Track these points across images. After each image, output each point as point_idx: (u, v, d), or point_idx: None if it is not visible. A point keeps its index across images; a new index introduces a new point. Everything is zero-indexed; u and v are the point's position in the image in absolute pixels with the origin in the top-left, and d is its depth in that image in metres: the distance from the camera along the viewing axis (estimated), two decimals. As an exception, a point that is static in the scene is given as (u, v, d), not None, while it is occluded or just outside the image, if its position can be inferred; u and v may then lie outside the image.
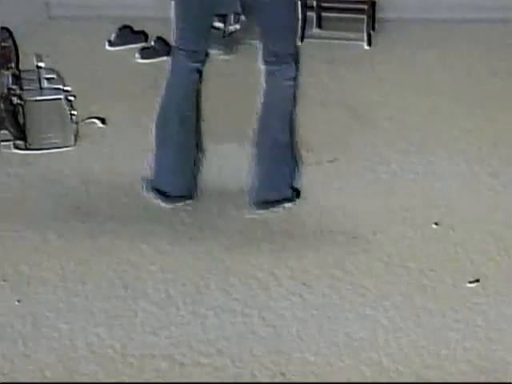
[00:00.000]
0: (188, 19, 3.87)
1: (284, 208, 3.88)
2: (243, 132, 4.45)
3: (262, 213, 3.84)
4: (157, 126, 3.96)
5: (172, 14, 3.89)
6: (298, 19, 3.75)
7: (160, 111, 3.94)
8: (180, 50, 3.89)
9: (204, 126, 4.78)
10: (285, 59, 3.76)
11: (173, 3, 3.88)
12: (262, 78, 3.81)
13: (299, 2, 3.70)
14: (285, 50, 3.76)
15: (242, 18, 5.43)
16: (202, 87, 3.91)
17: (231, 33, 5.75)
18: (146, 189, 3.99)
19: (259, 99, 3.83)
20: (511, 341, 3.09)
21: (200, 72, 3.91)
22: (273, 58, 3.76)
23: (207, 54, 3.91)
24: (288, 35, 3.77)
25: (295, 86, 3.83)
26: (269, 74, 3.80)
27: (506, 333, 3.12)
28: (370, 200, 4.01)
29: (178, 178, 3.92)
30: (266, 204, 3.89)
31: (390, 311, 3.23)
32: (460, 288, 3.36)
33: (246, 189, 3.92)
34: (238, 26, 5.49)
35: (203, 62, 3.91)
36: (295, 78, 3.82)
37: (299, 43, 3.83)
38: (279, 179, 3.93)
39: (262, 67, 3.78)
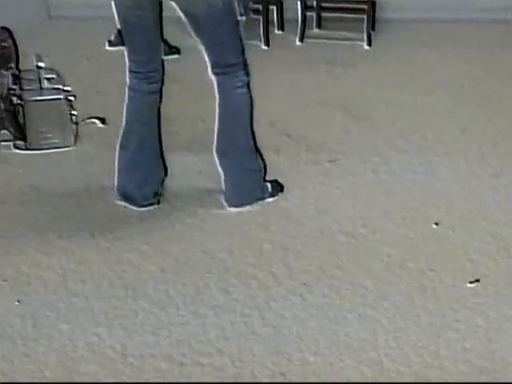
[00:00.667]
0: (132, 41, 3.81)
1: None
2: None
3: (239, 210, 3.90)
4: (118, 149, 3.96)
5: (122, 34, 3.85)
6: (237, 26, 3.70)
7: (121, 135, 3.93)
8: (133, 72, 3.85)
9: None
10: (232, 68, 3.74)
11: (117, 22, 3.84)
12: (215, 89, 3.80)
13: (234, 9, 3.65)
14: (230, 60, 3.73)
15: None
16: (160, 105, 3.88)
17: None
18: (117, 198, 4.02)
19: (215, 110, 3.82)
20: (511, 341, 3.09)
21: (160, 91, 3.87)
22: (220, 69, 3.73)
23: (163, 73, 3.86)
24: (230, 45, 3.71)
25: (249, 92, 3.79)
26: (219, 84, 3.78)
27: (506, 333, 3.12)
28: (370, 200, 4.01)
29: (142, 192, 3.95)
30: (242, 205, 3.94)
31: (389, 311, 3.23)
32: (460, 288, 3.36)
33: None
34: None
35: (161, 82, 3.87)
36: (248, 85, 3.78)
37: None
38: (249, 185, 3.94)
39: (213, 78, 3.77)
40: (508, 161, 4.33)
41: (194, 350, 3.06)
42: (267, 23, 6.04)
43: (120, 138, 3.94)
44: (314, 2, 6.27)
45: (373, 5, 6.16)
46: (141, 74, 3.82)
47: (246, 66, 3.77)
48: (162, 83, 3.86)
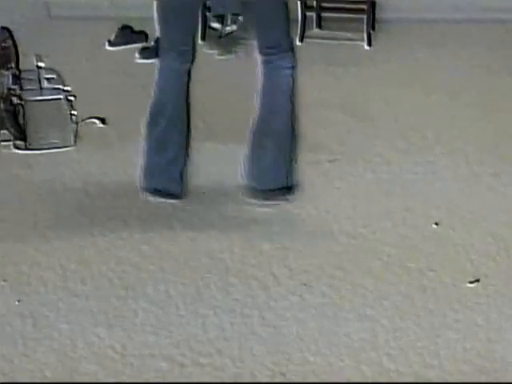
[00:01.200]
0: (171, 19, 3.84)
1: (286, 199, 3.89)
2: (242, 132, 4.45)
3: (259, 203, 3.85)
4: (146, 127, 3.95)
5: (154, 14, 3.86)
6: (286, 8, 3.76)
7: (150, 112, 3.93)
8: (167, 50, 3.87)
9: (204, 125, 4.79)
10: (282, 48, 3.78)
11: (155, 3, 3.84)
12: (260, 69, 3.80)
13: None
14: (279, 41, 3.78)
15: (240, 18, 5.47)
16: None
17: (228, 33, 5.77)
18: (142, 190, 4.00)
19: (257, 90, 3.82)
20: (511, 341, 3.08)
21: (189, 72, 3.89)
22: (270, 49, 3.77)
23: (195, 54, 3.89)
24: (281, 26, 3.78)
25: (294, 76, 3.83)
26: (267, 63, 3.80)
27: (506, 333, 3.12)
28: (370, 200, 4.01)
29: (167, 177, 3.92)
30: (264, 193, 3.88)
31: (389, 311, 3.23)
32: (460, 288, 3.36)
33: (243, 181, 3.92)
34: (234, 27, 5.51)
35: (191, 62, 3.89)
36: (293, 67, 3.84)
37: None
38: (277, 169, 3.92)
39: (260, 57, 3.79)
40: (508, 161, 4.33)
41: (193, 350, 3.05)
42: (267, 23, 6.02)
43: (148, 118, 3.93)
44: (314, 2, 6.26)
45: (373, 5, 6.15)
46: (173, 52, 3.87)
47: (293, 49, 3.84)
48: (192, 63, 3.88)
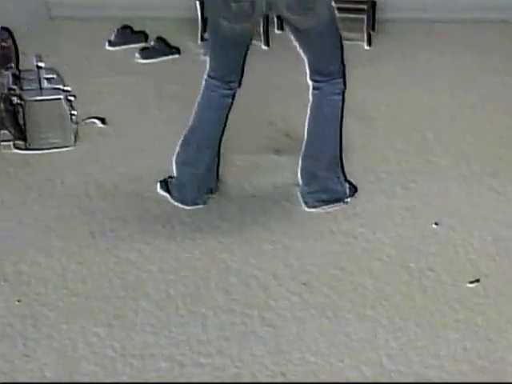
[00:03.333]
0: (222, 52, 3.83)
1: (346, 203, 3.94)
2: (245, 138, 4.46)
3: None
4: (181, 146, 3.97)
5: (208, 42, 3.83)
6: (340, 36, 3.81)
7: (188, 132, 3.96)
8: (213, 78, 3.86)
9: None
10: (333, 75, 3.82)
11: (208, 33, 3.81)
12: (310, 94, 3.87)
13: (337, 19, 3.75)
14: (332, 68, 3.82)
15: None
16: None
17: None
18: (162, 189, 4.02)
19: (307, 115, 3.86)
20: (511, 341, 3.09)
21: (233, 97, 3.90)
22: (321, 77, 3.82)
23: (241, 80, 3.89)
24: (334, 53, 3.81)
25: (342, 101, 3.89)
26: (317, 89, 3.85)
27: (506, 333, 3.12)
28: (370, 200, 4.01)
29: (196, 191, 3.94)
30: (321, 202, 3.93)
31: (389, 311, 3.23)
32: (460, 288, 3.36)
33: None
34: None
35: (237, 87, 3.90)
36: (343, 92, 3.88)
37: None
38: (332, 189, 3.95)
39: (310, 83, 3.85)
40: (508, 161, 4.33)
41: (193, 350, 3.06)
42: (267, 23, 6.03)
43: (184, 134, 3.97)
44: (314, 2, 6.26)
45: (373, 5, 6.16)
46: (219, 82, 3.86)
47: (344, 74, 3.85)
48: (239, 86, 3.89)
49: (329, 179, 3.93)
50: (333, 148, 3.93)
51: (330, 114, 3.90)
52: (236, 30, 3.71)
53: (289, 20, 3.74)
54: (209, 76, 3.88)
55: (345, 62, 3.85)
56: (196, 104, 3.93)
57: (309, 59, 3.81)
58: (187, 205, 3.94)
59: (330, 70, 3.82)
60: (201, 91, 3.91)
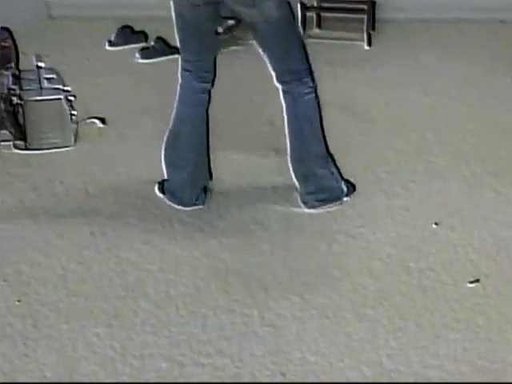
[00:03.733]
0: (189, 40, 3.81)
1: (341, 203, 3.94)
2: (239, 134, 4.46)
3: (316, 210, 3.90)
4: (166, 149, 3.97)
5: (175, 30, 3.83)
6: (299, 34, 3.79)
7: (169, 134, 3.95)
8: (186, 70, 3.85)
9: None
10: (298, 75, 3.76)
11: (174, 23, 3.81)
12: (281, 97, 3.82)
13: (294, 17, 3.69)
14: (295, 67, 3.75)
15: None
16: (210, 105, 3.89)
17: (228, 29, 5.79)
18: (159, 190, 4.02)
19: (283, 117, 3.84)
20: (511, 341, 3.09)
21: (209, 92, 3.88)
22: (286, 77, 3.76)
23: (215, 74, 3.87)
24: (294, 52, 3.74)
25: (317, 98, 3.84)
26: (286, 92, 3.81)
27: (506, 333, 3.12)
28: (370, 200, 4.01)
29: (190, 191, 3.94)
30: (320, 202, 3.92)
31: (389, 311, 3.24)
32: (460, 288, 3.36)
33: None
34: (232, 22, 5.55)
35: (212, 82, 3.88)
36: (315, 89, 3.83)
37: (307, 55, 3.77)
38: (325, 188, 3.93)
39: (278, 86, 3.80)
40: (508, 161, 4.33)
41: (193, 350, 3.06)
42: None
43: (167, 136, 3.96)
44: (314, 2, 6.26)
45: (373, 5, 6.16)
46: (193, 73, 3.84)
47: (311, 71, 3.79)
48: (213, 84, 3.87)
49: (323, 177, 3.91)
50: (317, 147, 3.88)
51: (306, 114, 3.85)
52: (196, 14, 3.69)
53: (235, 11, 3.70)
54: (182, 68, 3.86)
55: (310, 62, 3.77)
56: (175, 104, 3.92)
57: (268, 59, 3.74)
58: (185, 206, 3.94)
59: (293, 69, 3.75)
60: (178, 88, 3.90)
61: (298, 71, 3.76)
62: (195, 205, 3.95)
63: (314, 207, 3.91)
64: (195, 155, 3.96)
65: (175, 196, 3.96)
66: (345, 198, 3.97)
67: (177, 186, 3.97)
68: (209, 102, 3.91)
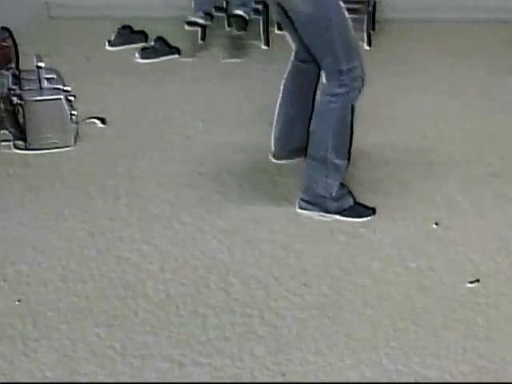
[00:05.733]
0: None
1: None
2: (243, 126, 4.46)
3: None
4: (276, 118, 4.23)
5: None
6: (332, 34, 3.66)
7: (277, 107, 4.22)
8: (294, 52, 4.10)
9: (204, 126, 4.80)
10: (325, 74, 3.77)
11: None
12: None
13: (329, 16, 3.67)
14: (324, 66, 3.76)
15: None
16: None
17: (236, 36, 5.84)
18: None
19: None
20: (511, 341, 3.09)
21: (317, 74, 3.93)
22: (308, 56, 3.86)
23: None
24: (324, 51, 3.73)
25: (337, 104, 3.76)
26: (304, 69, 3.97)
27: (505, 333, 3.12)
28: (370, 200, 4.00)
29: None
30: (305, 203, 3.89)
31: (389, 311, 3.24)
32: (460, 288, 3.36)
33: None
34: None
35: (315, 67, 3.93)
36: (335, 96, 3.74)
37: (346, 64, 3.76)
38: (317, 191, 3.87)
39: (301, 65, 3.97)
40: (508, 161, 4.33)
41: (193, 350, 3.06)
42: (267, 23, 6.03)
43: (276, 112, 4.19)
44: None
45: (373, 5, 6.16)
46: (298, 57, 4.04)
47: (340, 75, 3.70)
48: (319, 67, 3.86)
49: (316, 182, 3.85)
50: (317, 149, 3.83)
51: (321, 112, 3.83)
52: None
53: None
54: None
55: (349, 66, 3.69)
56: (282, 85, 4.16)
57: (296, 47, 3.90)
58: None
59: (324, 68, 3.76)
60: (287, 71, 4.13)
61: (324, 67, 3.76)
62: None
63: (300, 208, 3.90)
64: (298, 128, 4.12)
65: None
66: (340, 217, 3.84)
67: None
68: (317, 83, 3.99)
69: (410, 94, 5.19)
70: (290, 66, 4.10)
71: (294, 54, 4.05)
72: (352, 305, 3.28)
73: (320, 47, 3.74)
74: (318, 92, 3.89)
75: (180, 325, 3.19)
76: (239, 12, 5.90)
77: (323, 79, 3.79)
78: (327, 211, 3.84)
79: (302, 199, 3.89)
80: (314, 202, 3.85)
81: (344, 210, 3.85)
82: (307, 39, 3.77)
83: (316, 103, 3.91)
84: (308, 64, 3.94)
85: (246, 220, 3.87)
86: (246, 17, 5.90)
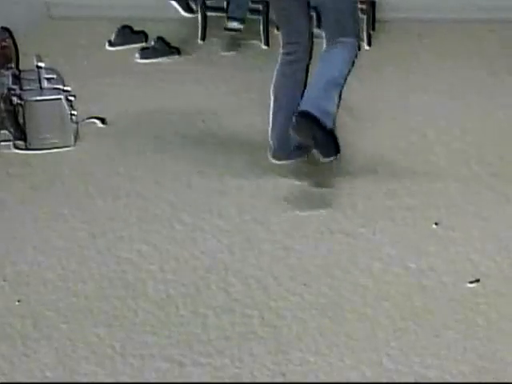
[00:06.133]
0: (283, 25, 4.33)
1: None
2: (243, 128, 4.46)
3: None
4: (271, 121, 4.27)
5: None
6: (355, 8, 4.19)
7: (271, 112, 4.25)
8: (284, 53, 4.27)
9: (204, 126, 4.80)
10: (345, 42, 4.07)
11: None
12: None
13: None
14: (344, 38, 4.07)
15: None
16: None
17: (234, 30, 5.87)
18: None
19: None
20: (511, 341, 3.09)
21: (306, 70, 4.21)
22: (334, 43, 4.06)
23: (310, 57, 4.22)
24: (346, 25, 4.09)
25: (352, 58, 4.14)
26: (329, 49, 4.10)
27: (506, 333, 3.12)
28: (370, 200, 4.01)
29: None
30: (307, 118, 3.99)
31: (389, 311, 3.24)
32: (460, 288, 3.36)
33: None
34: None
35: (305, 61, 4.22)
36: (355, 51, 4.13)
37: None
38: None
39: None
40: (508, 161, 4.33)
41: (193, 350, 3.06)
42: (267, 23, 6.03)
43: (271, 115, 4.22)
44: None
45: (373, 5, 6.16)
46: (289, 55, 4.20)
47: (358, 40, 4.18)
48: (308, 61, 4.18)
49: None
50: (327, 105, 4.01)
51: (334, 60, 4.09)
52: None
53: None
54: (282, 53, 4.26)
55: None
56: (271, 87, 4.26)
57: (324, 27, 4.13)
58: None
59: (342, 40, 4.07)
60: (275, 71, 4.30)
61: (344, 42, 4.07)
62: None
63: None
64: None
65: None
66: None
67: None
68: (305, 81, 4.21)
69: (410, 93, 5.19)
70: (278, 71, 4.25)
71: (284, 56, 4.22)
72: (352, 305, 3.28)
73: (349, 12, 4.11)
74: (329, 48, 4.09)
75: (180, 325, 3.19)
76: (233, 25, 5.92)
77: (341, 40, 4.07)
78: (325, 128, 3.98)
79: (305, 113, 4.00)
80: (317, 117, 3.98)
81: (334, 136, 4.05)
82: (339, 9, 4.05)
83: (327, 56, 4.11)
84: (298, 64, 4.17)
85: (245, 220, 3.87)
86: (241, 28, 5.92)
